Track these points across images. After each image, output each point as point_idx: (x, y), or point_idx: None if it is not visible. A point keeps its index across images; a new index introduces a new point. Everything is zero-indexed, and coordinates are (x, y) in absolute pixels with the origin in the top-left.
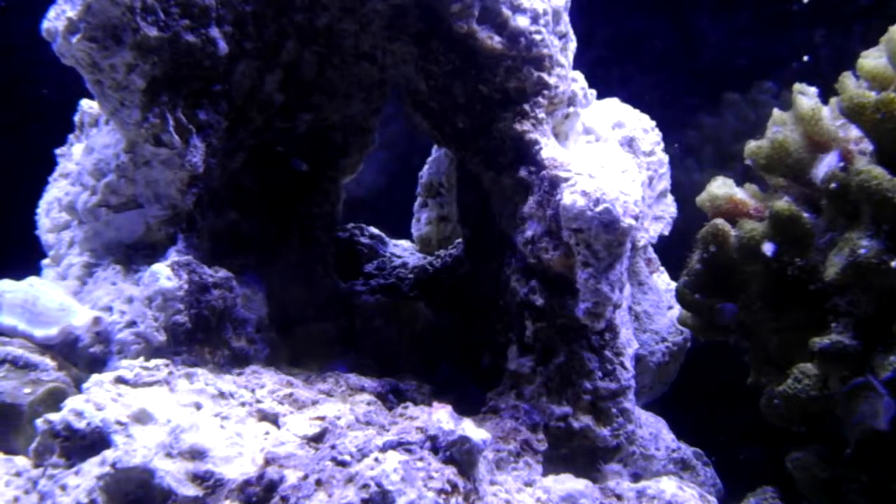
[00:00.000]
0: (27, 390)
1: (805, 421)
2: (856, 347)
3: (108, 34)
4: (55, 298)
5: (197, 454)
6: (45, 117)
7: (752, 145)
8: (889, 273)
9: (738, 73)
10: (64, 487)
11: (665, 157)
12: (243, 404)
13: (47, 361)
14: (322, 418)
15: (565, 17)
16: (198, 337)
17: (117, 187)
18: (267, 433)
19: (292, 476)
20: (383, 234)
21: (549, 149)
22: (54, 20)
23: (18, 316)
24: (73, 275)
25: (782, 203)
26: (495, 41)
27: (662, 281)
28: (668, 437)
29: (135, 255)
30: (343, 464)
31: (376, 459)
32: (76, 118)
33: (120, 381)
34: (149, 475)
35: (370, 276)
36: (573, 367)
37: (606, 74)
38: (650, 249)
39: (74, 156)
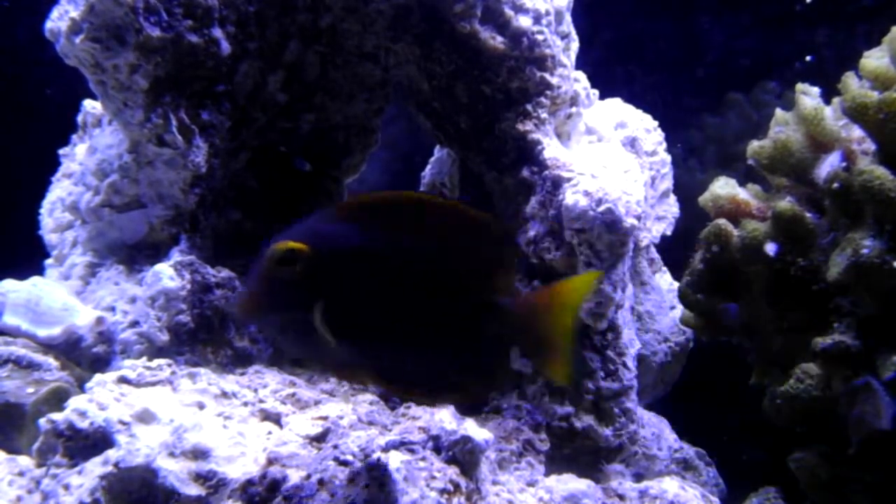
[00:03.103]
0: (30, 390)
1: (808, 421)
2: (858, 347)
3: (112, 34)
4: (58, 298)
5: (200, 454)
6: (49, 117)
7: (754, 145)
8: (891, 273)
9: (740, 74)
10: (67, 487)
11: (667, 157)
12: (246, 404)
13: (50, 361)
14: (324, 418)
15: (567, 17)
16: (200, 337)
17: (120, 187)
18: (269, 433)
19: (295, 476)
20: None
21: (551, 149)
22: (57, 20)
23: (22, 316)
24: (77, 275)
25: (785, 203)
26: (497, 41)
27: (665, 281)
28: (670, 437)
29: (138, 255)
30: (345, 463)
31: (379, 459)
32: (79, 118)
33: (123, 380)
34: (152, 475)
35: None
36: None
37: (609, 74)
38: (652, 249)
39: (77, 156)
